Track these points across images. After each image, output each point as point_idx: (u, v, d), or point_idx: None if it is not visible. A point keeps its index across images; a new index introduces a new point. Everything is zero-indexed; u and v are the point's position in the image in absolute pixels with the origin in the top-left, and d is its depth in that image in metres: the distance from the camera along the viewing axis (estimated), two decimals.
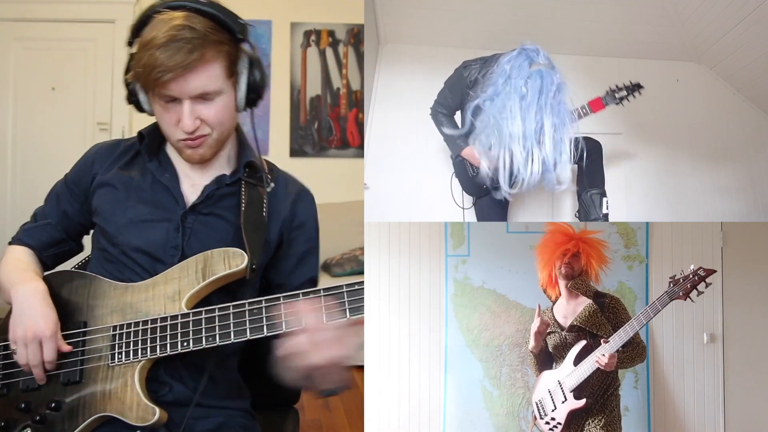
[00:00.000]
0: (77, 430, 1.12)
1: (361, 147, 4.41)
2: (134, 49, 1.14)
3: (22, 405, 1.14)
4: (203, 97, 1.13)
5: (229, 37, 1.15)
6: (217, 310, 1.12)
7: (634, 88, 1.51)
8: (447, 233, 1.57)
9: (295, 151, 4.47)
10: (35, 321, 1.12)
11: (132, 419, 1.11)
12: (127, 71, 1.18)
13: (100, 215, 1.24)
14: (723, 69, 1.75)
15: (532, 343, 1.46)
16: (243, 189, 1.24)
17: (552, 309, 1.52)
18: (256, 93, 1.21)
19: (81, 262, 1.38)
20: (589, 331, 1.45)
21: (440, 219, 1.61)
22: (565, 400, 1.42)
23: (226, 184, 1.24)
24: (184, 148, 1.19)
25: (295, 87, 4.48)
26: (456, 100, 1.62)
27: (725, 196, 1.69)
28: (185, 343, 1.12)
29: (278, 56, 4.44)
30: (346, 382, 1.12)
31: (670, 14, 1.70)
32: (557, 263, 1.50)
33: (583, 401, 1.40)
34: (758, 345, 1.54)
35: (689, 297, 1.34)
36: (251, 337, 1.10)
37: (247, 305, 1.11)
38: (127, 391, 1.12)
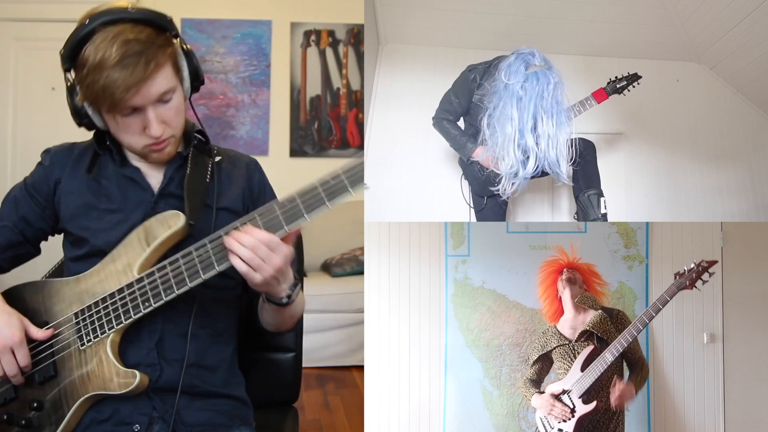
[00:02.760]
0: (66, 418, 1.14)
1: (361, 147, 4.41)
2: (76, 75, 1.13)
3: (5, 417, 1.15)
4: (162, 99, 1.15)
5: (166, 36, 1.17)
6: (168, 264, 1.14)
7: (633, 78, 1.57)
8: (447, 233, 1.57)
9: (295, 151, 4.47)
10: (0, 332, 1.13)
11: (115, 389, 1.13)
12: (71, 95, 1.16)
13: (72, 221, 1.24)
14: (723, 69, 1.75)
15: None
16: (190, 158, 1.25)
17: (556, 326, 1.52)
18: (197, 79, 1.23)
19: (50, 271, 1.37)
20: (598, 336, 1.45)
21: (440, 219, 1.61)
22: (574, 407, 1.42)
23: (183, 157, 1.26)
24: (150, 153, 1.21)
25: (295, 87, 4.48)
26: (464, 105, 1.62)
27: (725, 196, 1.69)
28: (146, 303, 1.13)
29: (278, 56, 4.44)
30: (291, 282, 1.16)
31: (670, 14, 1.70)
32: (559, 278, 1.52)
33: (593, 404, 1.40)
34: (758, 345, 1.54)
35: (695, 286, 1.40)
36: (205, 277, 1.12)
37: (193, 250, 1.13)
38: (103, 366, 1.14)
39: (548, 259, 1.54)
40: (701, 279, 1.41)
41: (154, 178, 1.26)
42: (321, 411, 3.11)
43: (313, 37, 4.47)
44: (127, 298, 1.15)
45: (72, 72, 1.15)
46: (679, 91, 1.75)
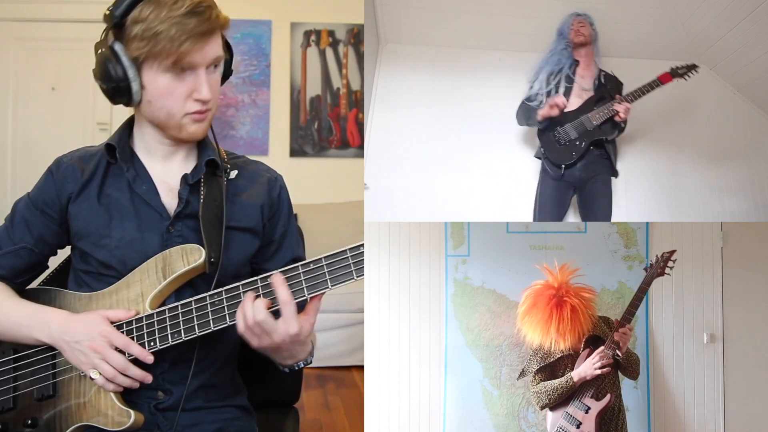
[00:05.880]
0: None
1: (361, 147, 4.41)
2: (127, 32, 1.11)
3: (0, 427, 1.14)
4: (213, 65, 1.17)
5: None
6: (180, 307, 1.13)
7: (691, 67, 1.67)
8: (447, 233, 1.57)
9: (295, 151, 4.47)
10: (86, 334, 1.12)
11: (109, 425, 1.12)
12: (108, 60, 1.13)
13: (84, 239, 1.21)
14: (723, 69, 1.75)
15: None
16: (202, 183, 1.23)
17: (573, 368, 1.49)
18: (228, 70, 1.26)
19: (46, 278, 1.34)
20: (592, 336, 1.44)
21: (440, 219, 1.61)
22: (589, 408, 1.41)
23: (189, 183, 1.22)
24: (190, 124, 1.18)
25: (295, 87, 4.48)
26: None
27: (725, 196, 1.69)
28: (152, 343, 1.13)
29: (278, 56, 4.44)
30: (301, 359, 1.18)
31: (670, 14, 1.70)
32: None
33: (607, 397, 1.40)
34: (758, 345, 1.54)
35: (665, 272, 1.45)
36: (215, 328, 1.12)
37: (208, 298, 1.12)
38: (101, 398, 1.13)
39: (534, 287, 1.49)
40: (668, 266, 1.44)
41: (167, 195, 1.23)
42: (321, 411, 3.11)
43: (313, 37, 4.47)
44: (134, 334, 1.13)
45: (130, 24, 1.11)
46: (679, 91, 1.75)
